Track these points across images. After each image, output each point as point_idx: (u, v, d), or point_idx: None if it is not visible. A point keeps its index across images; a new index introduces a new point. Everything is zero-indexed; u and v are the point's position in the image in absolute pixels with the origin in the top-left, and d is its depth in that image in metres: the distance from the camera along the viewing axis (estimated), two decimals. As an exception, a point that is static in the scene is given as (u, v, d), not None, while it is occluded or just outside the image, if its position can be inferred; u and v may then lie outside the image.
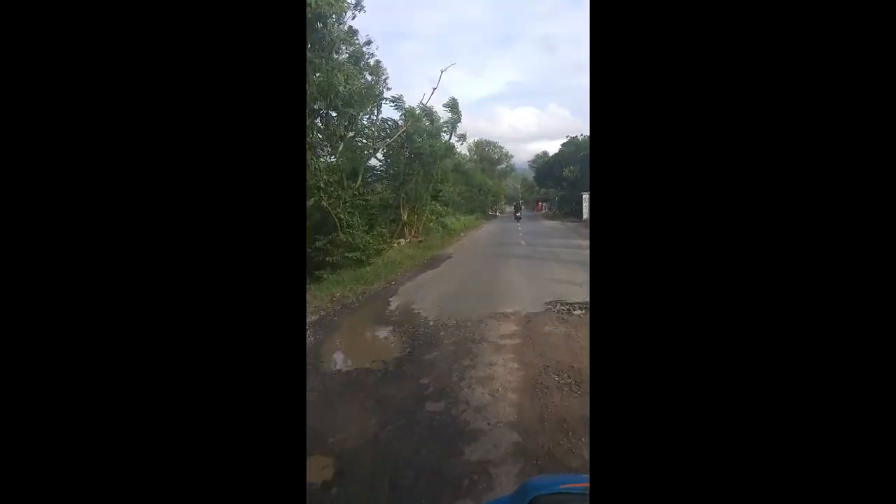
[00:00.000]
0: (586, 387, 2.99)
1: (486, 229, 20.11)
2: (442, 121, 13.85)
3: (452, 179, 18.89)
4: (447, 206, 17.47)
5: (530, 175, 48.70)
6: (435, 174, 13.41)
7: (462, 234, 16.76)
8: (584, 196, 23.01)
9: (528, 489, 0.97)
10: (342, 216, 8.82)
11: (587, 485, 0.84)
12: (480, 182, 30.74)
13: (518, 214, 29.91)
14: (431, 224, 14.82)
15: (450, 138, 14.73)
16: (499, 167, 48.41)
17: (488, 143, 47.55)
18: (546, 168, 33.55)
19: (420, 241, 12.93)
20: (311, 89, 7.95)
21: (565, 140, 31.67)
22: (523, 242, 12.67)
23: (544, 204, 42.73)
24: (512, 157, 47.18)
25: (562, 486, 0.96)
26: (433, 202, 14.69)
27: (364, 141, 11.23)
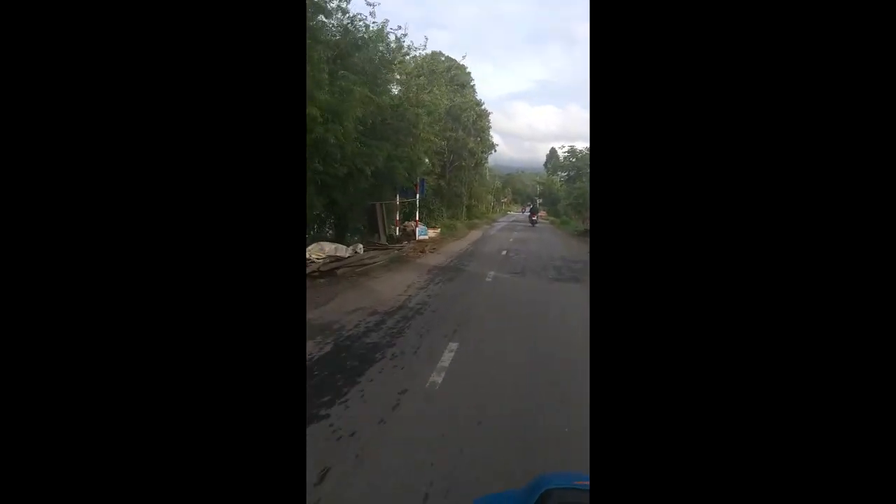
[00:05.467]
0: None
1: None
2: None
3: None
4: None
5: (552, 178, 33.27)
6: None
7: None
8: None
9: (541, 483, 0.98)
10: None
11: None
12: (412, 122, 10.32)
13: (534, 218, 26.94)
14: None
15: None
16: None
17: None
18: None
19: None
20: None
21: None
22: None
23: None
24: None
25: (574, 483, 0.98)
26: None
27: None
